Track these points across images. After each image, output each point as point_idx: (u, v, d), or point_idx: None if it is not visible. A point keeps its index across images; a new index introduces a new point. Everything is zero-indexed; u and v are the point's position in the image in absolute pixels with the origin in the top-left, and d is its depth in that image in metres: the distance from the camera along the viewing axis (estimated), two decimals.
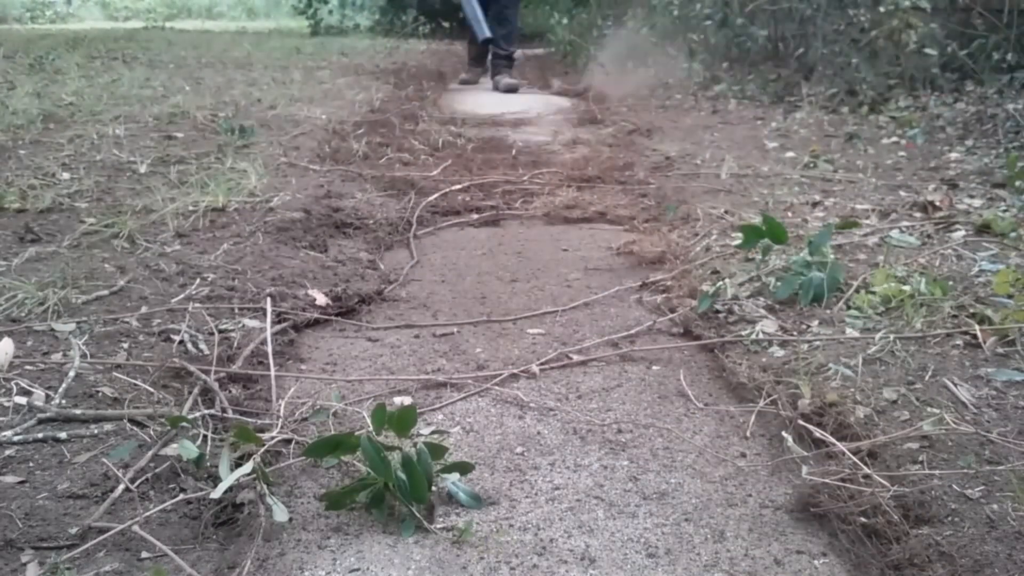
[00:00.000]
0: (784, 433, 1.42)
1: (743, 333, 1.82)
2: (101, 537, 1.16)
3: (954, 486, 1.22)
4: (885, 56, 4.56)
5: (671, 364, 1.80)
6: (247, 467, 1.25)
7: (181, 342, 1.75)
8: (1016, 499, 1.17)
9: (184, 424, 1.40)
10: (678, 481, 1.36)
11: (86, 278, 2.03)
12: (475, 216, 2.95)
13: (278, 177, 3.05)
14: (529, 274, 2.39)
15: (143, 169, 3.07)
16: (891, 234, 2.33)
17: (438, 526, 1.22)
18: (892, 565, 1.13)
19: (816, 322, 1.83)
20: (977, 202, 2.61)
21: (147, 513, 1.21)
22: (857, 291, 1.91)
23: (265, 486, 1.24)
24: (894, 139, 3.78)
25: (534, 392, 1.65)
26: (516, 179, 3.32)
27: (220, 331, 1.81)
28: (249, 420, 1.47)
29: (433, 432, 1.48)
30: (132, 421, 1.46)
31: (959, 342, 1.66)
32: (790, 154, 3.51)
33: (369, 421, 1.34)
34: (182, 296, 1.98)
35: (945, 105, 4.16)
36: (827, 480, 1.26)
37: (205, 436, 1.41)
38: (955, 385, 1.50)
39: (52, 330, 1.77)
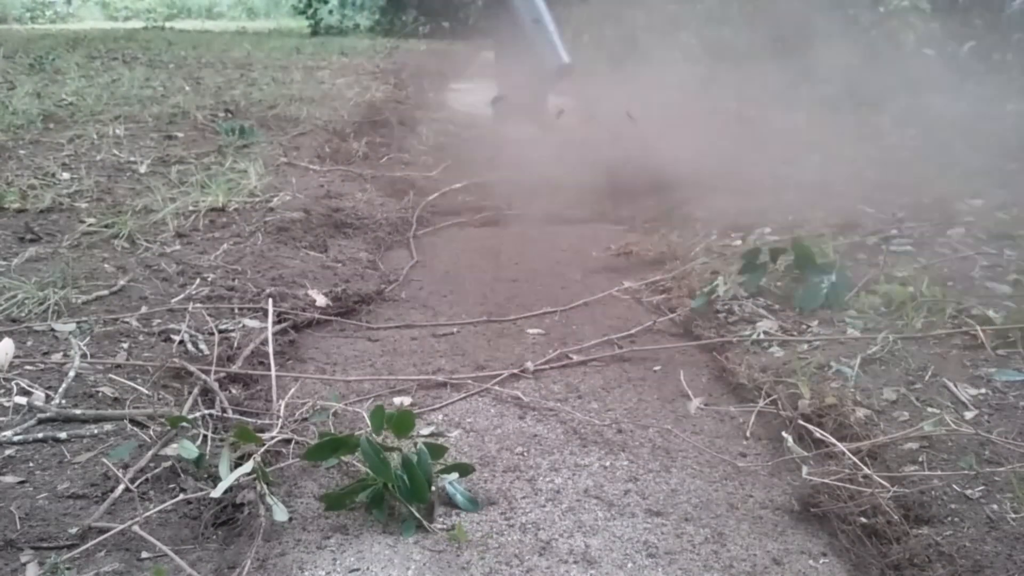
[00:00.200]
0: (784, 433, 1.42)
1: (743, 333, 1.82)
2: (101, 537, 1.16)
3: (954, 486, 1.22)
4: (885, 56, 4.55)
5: (671, 364, 1.80)
6: (247, 467, 1.25)
7: (181, 342, 1.75)
8: (1016, 499, 1.17)
9: (184, 424, 1.40)
10: (678, 481, 1.36)
11: (86, 278, 2.03)
12: (475, 216, 2.95)
13: (278, 177, 3.05)
14: (529, 274, 2.39)
15: (143, 169, 3.07)
16: (891, 234, 2.33)
17: (438, 526, 1.22)
18: (892, 565, 1.13)
19: (816, 322, 1.83)
20: (978, 202, 2.61)
21: (147, 513, 1.21)
22: (858, 293, 1.90)
23: (265, 486, 1.24)
24: (894, 139, 3.78)
25: (534, 392, 1.65)
26: (516, 179, 3.32)
27: (220, 331, 1.81)
28: (249, 420, 1.47)
29: (432, 433, 1.48)
30: (132, 421, 1.46)
31: (959, 342, 1.66)
32: (791, 155, 3.50)
33: (368, 422, 1.34)
34: (182, 296, 1.98)
35: (945, 105, 4.15)
36: (827, 480, 1.26)
37: (205, 436, 1.41)
38: (955, 385, 1.50)
39: (52, 330, 1.76)
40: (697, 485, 1.34)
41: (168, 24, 12.25)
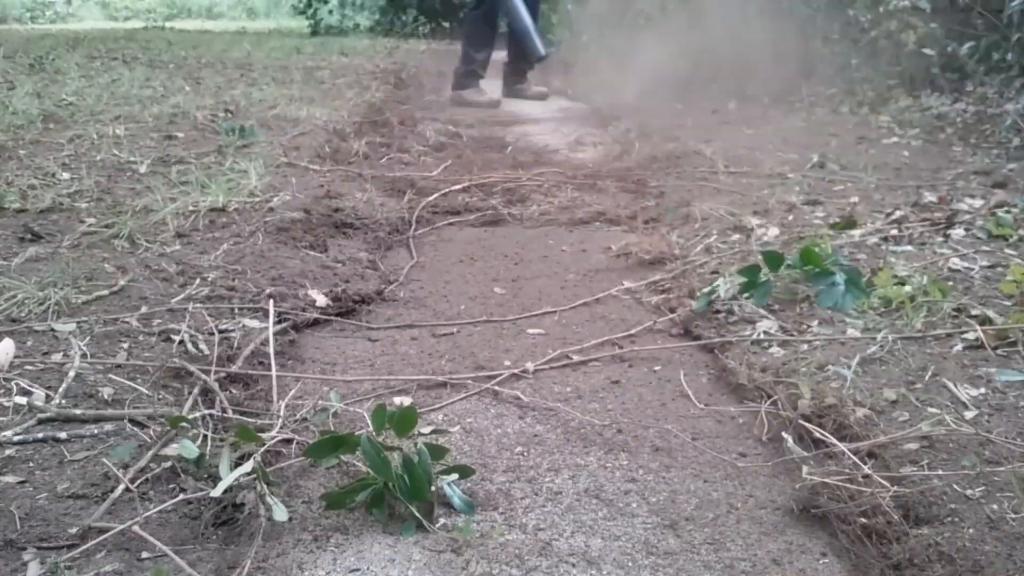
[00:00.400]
0: (784, 433, 1.42)
1: (743, 333, 1.82)
2: (101, 537, 1.16)
3: (954, 486, 1.22)
4: (885, 56, 4.56)
5: (671, 364, 1.80)
6: (247, 467, 1.25)
7: (181, 342, 1.75)
8: (1016, 499, 1.17)
9: (184, 424, 1.40)
10: (678, 481, 1.36)
11: (86, 278, 2.03)
12: (475, 216, 2.95)
13: (278, 177, 3.05)
14: (529, 274, 2.39)
15: (143, 169, 3.07)
16: (891, 234, 2.33)
17: (438, 526, 1.22)
18: (892, 565, 1.13)
19: (816, 322, 1.83)
20: (978, 202, 2.61)
21: (147, 513, 1.21)
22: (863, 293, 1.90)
23: (265, 486, 1.24)
24: (894, 139, 3.79)
25: (534, 392, 1.65)
26: (516, 179, 3.32)
27: (220, 331, 1.81)
28: (249, 420, 1.47)
29: (433, 432, 1.48)
30: (132, 421, 1.46)
31: (959, 342, 1.66)
32: (791, 155, 3.51)
33: (369, 421, 1.34)
34: (182, 296, 1.98)
35: (945, 105, 4.16)
36: (827, 480, 1.26)
37: (205, 436, 1.40)
38: (955, 385, 1.50)
39: (52, 330, 1.76)
40: (697, 485, 1.35)
41: (168, 24, 12.25)
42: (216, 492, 1.21)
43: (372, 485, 1.24)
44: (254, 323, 1.88)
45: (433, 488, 1.27)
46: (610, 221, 2.88)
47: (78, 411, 1.47)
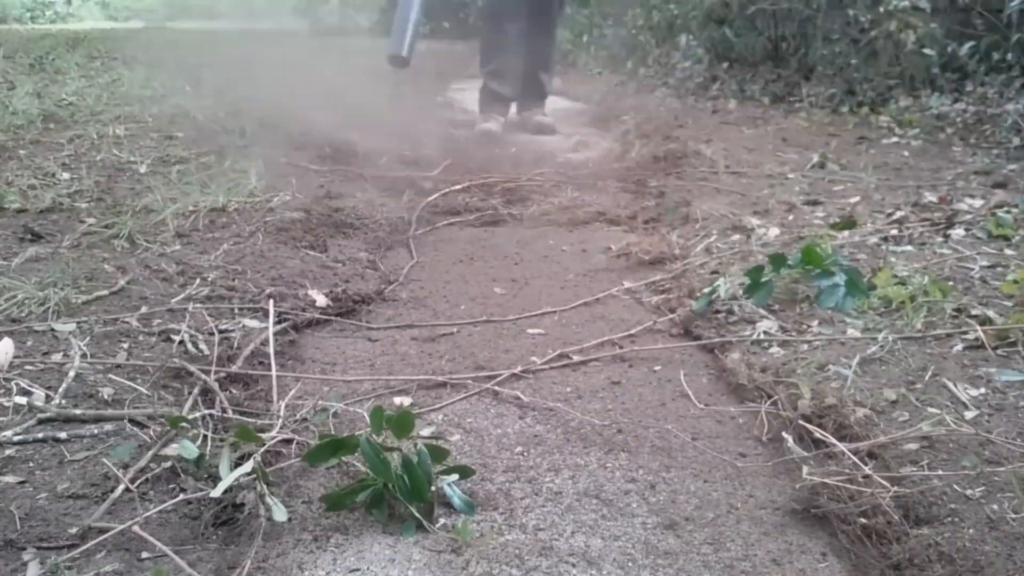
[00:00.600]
0: (784, 433, 1.42)
1: (743, 333, 1.82)
2: (101, 537, 1.16)
3: (954, 486, 1.22)
4: (885, 56, 4.55)
5: (671, 364, 1.80)
6: (247, 467, 1.25)
7: (181, 342, 1.75)
8: (1016, 499, 1.17)
9: (184, 424, 1.40)
10: (678, 481, 1.36)
11: (86, 278, 2.03)
12: (475, 216, 2.95)
13: (278, 177, 3.05)
14: (529, 274, 2.39)
15: (143, 169, 3.07)
16: (892, 234, 2.33)
17: (438, 526, 1.22)
18: (892, 565, 1.13)
19: (816, 322, 1.83)
20: (978, 202, 2.61)
21: (147, 513, 1.21)
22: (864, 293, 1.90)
23: (265, 486, 1.24)
24: (895, 139, 3.79)
25: (534, 392, 1.65)
26: (516, 179, 3.32)
27: (220, 331, 1.81)
28: (249, 420, 1.47)
29: (433, 434, 1.48)
30: (132, 421, 1.46)
31: (959, 342, 1.66)
32: (791, 155, 3.51)
33: (368, 422, 1.34)
34: (182, 296, 1.98)
35: (945, 105, 4.16)
36: (827, 480, 1.26)
37: (205, 436, 1.40)
38: (955, 385, 1.50)
39: (52, 330, 1.76)
40: (697, 485, 1.35)
41: (168, 24, 12.24)
42: (216, 492, 1.21)
43: (372, 486, 1.24)
44: (254, 323, 1.88)
45: (433, 488, 1.27)
46: (610, 221, 2.89)
47: (78, 411, 1.47)
